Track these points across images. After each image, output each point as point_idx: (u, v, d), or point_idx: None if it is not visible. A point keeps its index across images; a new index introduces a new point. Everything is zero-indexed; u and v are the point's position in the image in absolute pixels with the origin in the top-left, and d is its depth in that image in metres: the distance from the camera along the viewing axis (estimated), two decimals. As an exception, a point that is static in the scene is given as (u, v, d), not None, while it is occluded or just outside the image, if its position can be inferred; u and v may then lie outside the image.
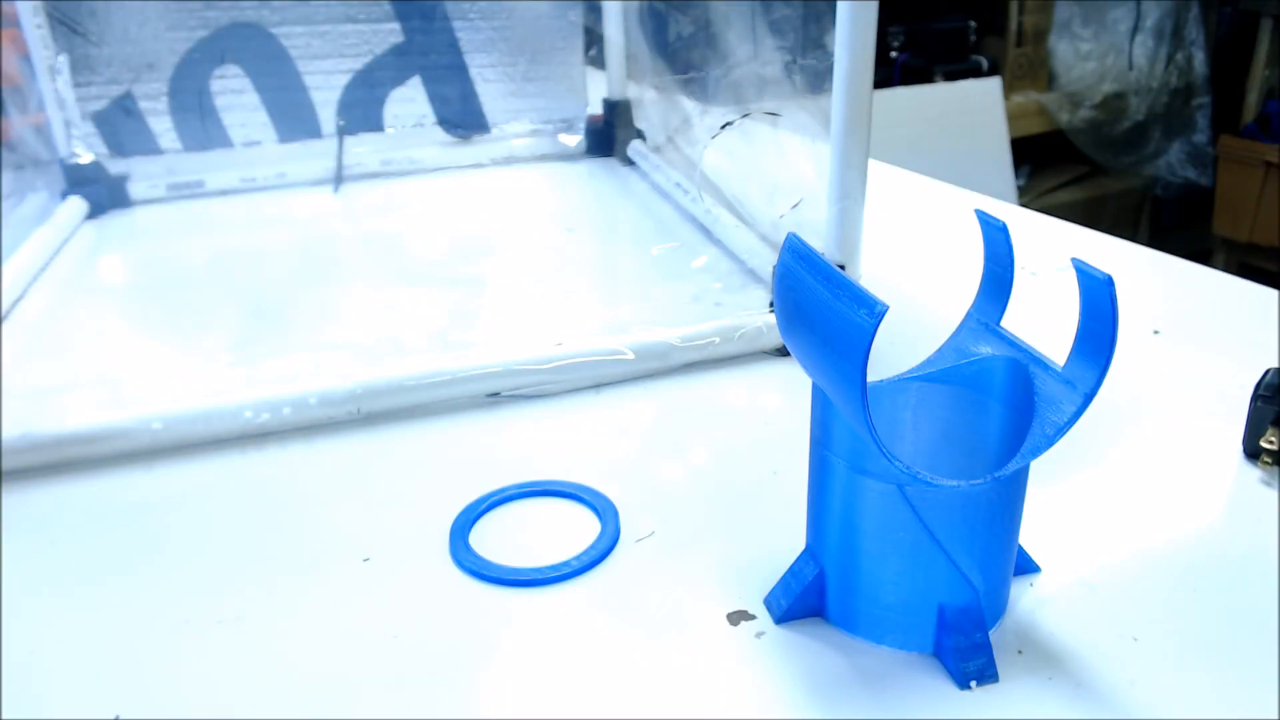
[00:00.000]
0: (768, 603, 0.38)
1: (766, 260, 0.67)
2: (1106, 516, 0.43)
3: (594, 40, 1.04)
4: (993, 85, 2.17)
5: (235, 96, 0.96)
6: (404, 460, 0.50)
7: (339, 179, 0.98)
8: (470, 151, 1.04)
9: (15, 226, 0.81)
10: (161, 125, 0.95)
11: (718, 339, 0.58)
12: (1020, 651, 0.36)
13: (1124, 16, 2.34)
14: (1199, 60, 2.40)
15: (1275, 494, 0.44)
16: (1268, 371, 0.47)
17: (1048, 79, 2.38)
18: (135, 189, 0.94)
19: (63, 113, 0.90)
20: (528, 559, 0.42)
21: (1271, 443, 0.45)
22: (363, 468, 0.50)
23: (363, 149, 1.01)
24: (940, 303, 0.65)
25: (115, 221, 0.91)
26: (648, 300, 0.69)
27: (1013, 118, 2.20)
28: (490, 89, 1.04)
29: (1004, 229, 0.36)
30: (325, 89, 0.99)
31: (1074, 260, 0.31)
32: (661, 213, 0.87)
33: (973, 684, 0.34)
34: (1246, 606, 0.38)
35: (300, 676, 0.36)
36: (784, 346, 0.60)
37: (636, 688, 0.35)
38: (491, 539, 0.43)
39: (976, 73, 2.25)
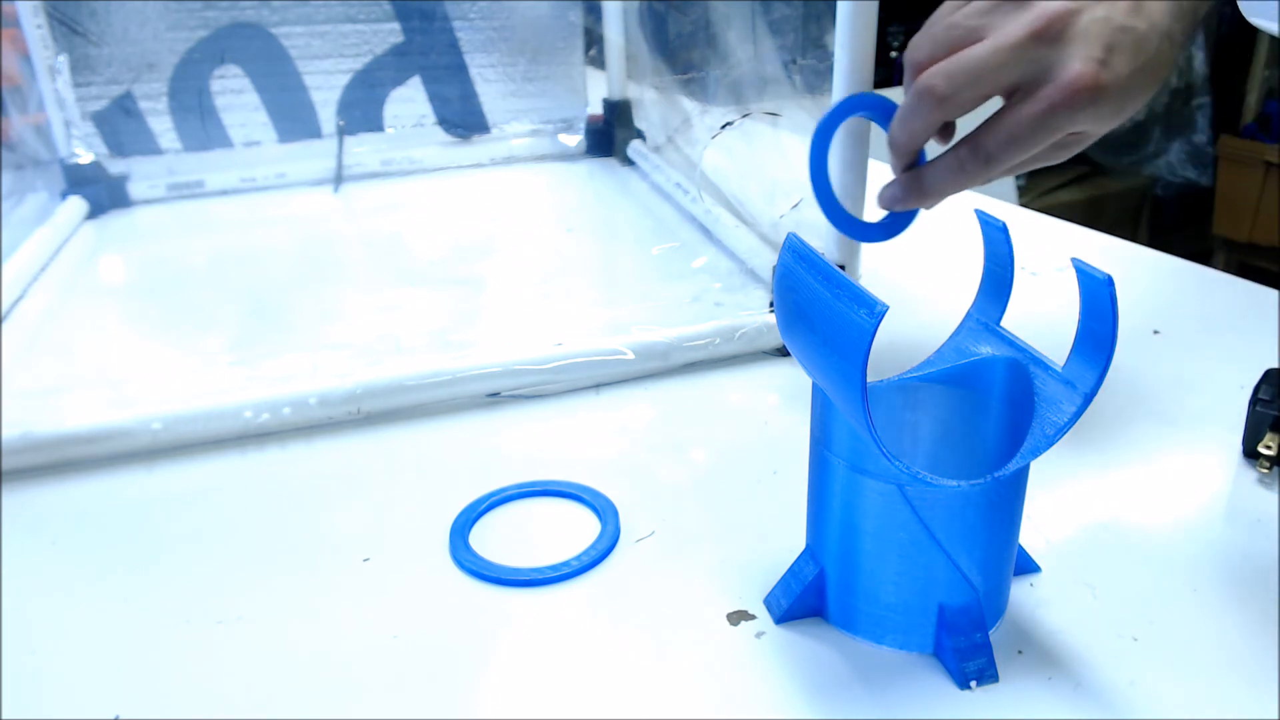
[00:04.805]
0: (768, 603, 0.38)
1: (766, 260, 0.67)
2: (1106, 516, 0.43)
3: (594, 40, 1.04)
4: (993, 85, 2.16)
5: (235, 96, 0.96)
6: (404, 460, 0.50)
7: (339, 179, 0.98)
8: (470, 151, 1.04)
9: (15, 226, 0.81)
10: (161, 125, 0.95)
11: (718, 339, 0.58)
12: (1020, 651, 0.36)
13: (1124, 16, 2.34)
14: (1199, 60, 2.40)
15: (1275, 494, 0.44)
16: (1266, 374, 0.47)
17: (1048, 79, 2.38)
18: (135, 189, 0.94)
19: (63, 113, 0.90)
20: (528, 559, 0.42)
21: (1269, 448, 0.45)
22: (363, 468, 0.50)
23: (363, 149, 1.01)
24: (940, 303, 0.65)
25: (115, 221, 0.91)
26: (648, 300, 0.69)
27: (1013, 118, 2.20)
28: (490, 89, 1.04)
29: (1004, 229, 0.36)
30: (325, 89, 0.99)
31: (1074, 260, 0.31)
32: (661, 213, 0.87)
33: (973, 684, 0.34)
34: (1246, 606, 0.38)
35: (300, 676, 0.36)
36: (784, 346, 0.60)
37: (636, 688, 0.35)
38: (491, 539, 0.43)
39: (976, 73, 2.25)
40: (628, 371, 0.57)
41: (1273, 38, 2.21)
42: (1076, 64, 0.41)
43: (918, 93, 0.44)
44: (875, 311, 0.29)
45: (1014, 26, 0.42)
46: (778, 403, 0.55)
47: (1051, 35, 0.41)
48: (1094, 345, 0.32)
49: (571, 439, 0.52)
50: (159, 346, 0.65)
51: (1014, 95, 0.43)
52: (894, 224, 0.50)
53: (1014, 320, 0.37)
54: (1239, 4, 0.43)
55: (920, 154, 0.47)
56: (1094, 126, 0.43)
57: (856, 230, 0.52)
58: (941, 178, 0.46)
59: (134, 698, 0.35)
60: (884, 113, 0.47)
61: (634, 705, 0.34)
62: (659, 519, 0.44)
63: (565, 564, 0.41)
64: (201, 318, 0.70)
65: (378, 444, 0.52)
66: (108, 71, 0.92)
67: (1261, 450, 0.45)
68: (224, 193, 0.96)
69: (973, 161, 0.44)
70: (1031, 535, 0.42)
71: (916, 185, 0.47)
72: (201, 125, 0.96)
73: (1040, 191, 2.37)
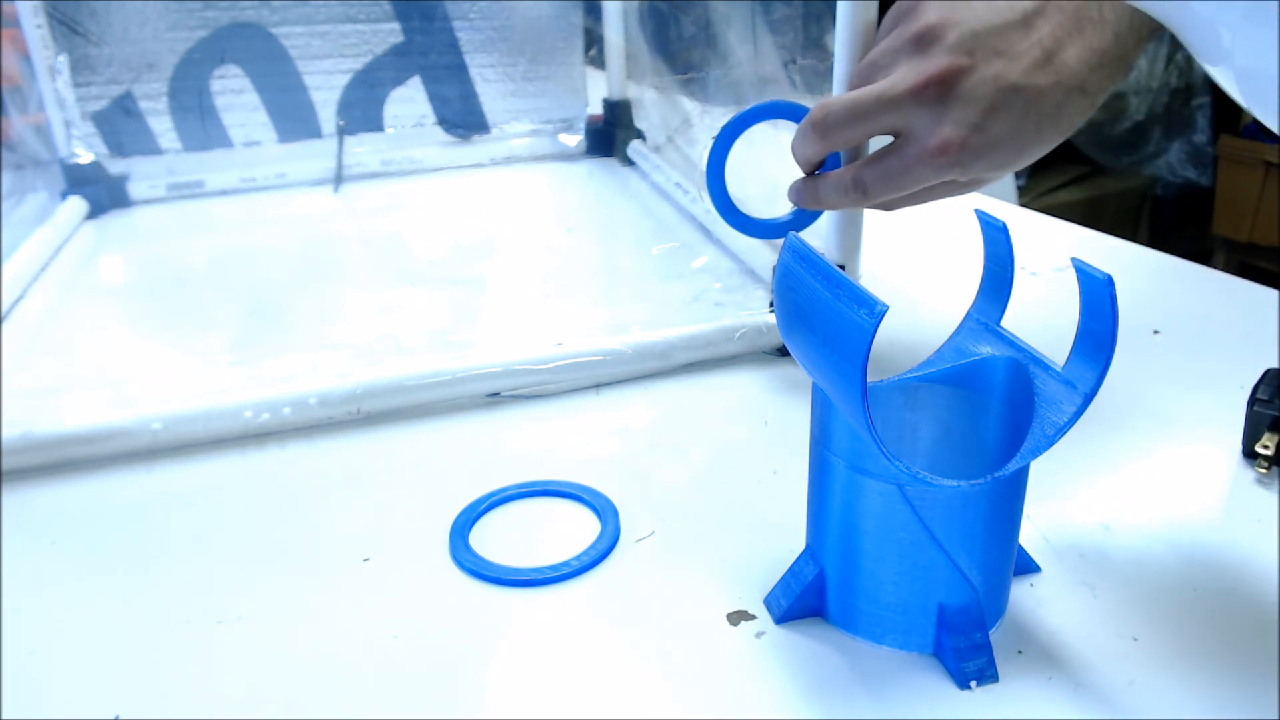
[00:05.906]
0: (768, 603, 0.38)
1: (766, 260, 0.67)
2: (1106, 517, 0.43)
3: (594, 40, 1.04)
4: (993, 85, 2.16)
5: (235, 96, 0.96)
6: (404, 460, 0.50)
7: (339, 179, 0.99)
8: (470, 151, 1.04)
9: (15, 226, 0.81)
10: (161, 125, 0.95)
11: (718, 339, 0.58)
12: (1020, 651, 0.36)
13: (1124, 16, 2.34)
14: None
15: (1274, 494, 0.44)
16: (1265, 374, 0.47)
17: (1048, 79, 2.37)
18: (135, 189, 0.94)
19: (63, 113, 0.90)
20: (528, 559, 0.42)
21: (1267, 448, 0.45)
22: (363, 468, 0.50)
23: (363, 149, 1.01)
24: (940, 303, 0.65)
25: (115, 221, 0.91)
26: (648, 300, 0.69)
27: (1012, 118, 2.20)
28: (490, 89, 1.04)
29: (1004, 229, 0.36)
30: (325, 89, 0.99)
31: (1074, 260, 0.31)
32: (661, 213, 0.87)
33: (973, 684, 0.34)
34: (1246, 606, 0.38)
35: (300, 676, 0.36)
36: (784, 346, 0.60)
37: (636, 688, 0.35)
38: (491, 539, 0.43)
39: (976, 73, 2.24)
40: (628, 371, 0.57)
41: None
42: (946, 128, 0.42)
43: (805, 122, 0.47)
44: (875, 311, 0.29)
45: (902, 76, 0.43)
46: (778, 403, 0.55)
47: (931, 96, 0.42)
48: (1094, 345, 0.32)
49: (571, 439, 0.52)
50: (159, 346, 0.66)
51: (896, 138, 0.44)
52: (800, 219, 0.53)
53: (1014, 320, 0.37)
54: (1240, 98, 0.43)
55: (825, 160, 0.49)
56: (981, 176, 0.44)
57: (754, 227, 0.55)
58: (830, 195, 0.48)
59: (134, 698, 0.35)
60: (798, 120, 0.50)
61: (634, 705, 0.34)
62: (659, 519, 0.44)
63: (565, 564, 0.41)
64: (201, 318, 0.70)
65: (378, 444, 0.52)
66: (108, 71, 0.92)
67: (1260, 450, 0.45)
68: (224, 193, 0.96)
69: (853, 190, 0.46)
70: (1031, 535, 0.42)
71: (813, 193, 0.49)
72: (201, 125, 0.96)
73: (1040, 191, 2.37)
